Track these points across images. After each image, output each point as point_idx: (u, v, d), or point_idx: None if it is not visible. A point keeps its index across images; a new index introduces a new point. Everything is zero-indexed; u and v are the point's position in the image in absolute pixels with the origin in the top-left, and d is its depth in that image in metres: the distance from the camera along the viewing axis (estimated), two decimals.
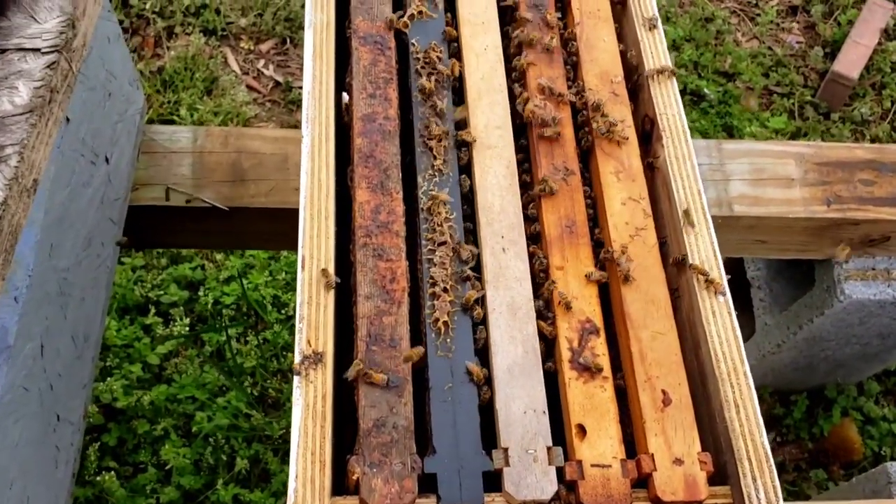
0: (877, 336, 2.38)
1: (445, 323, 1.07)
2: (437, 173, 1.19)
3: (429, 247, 1.13)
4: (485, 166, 1.21)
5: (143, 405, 2.53)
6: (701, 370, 1.10)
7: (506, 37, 1.39)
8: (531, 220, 1.22)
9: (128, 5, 3.37)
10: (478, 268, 1.16)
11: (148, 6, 3.34)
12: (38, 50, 1.04)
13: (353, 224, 1.15)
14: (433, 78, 1.27)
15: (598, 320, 1.10)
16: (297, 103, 3.25)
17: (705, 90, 3.34)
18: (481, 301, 1.10)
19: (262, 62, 3.38)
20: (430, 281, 1.10)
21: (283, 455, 2.54)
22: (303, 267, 1.08)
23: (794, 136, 3.32)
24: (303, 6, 3.43)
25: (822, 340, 2.41)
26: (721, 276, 1.12)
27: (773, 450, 2.80)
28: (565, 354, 1.07)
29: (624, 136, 1.24)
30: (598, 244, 1.20)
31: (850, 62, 3.34)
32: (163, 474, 2.46)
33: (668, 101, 1.27)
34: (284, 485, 2.45)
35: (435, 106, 1.24)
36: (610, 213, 1.18)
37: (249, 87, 3.32)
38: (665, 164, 1.22)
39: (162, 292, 2.75)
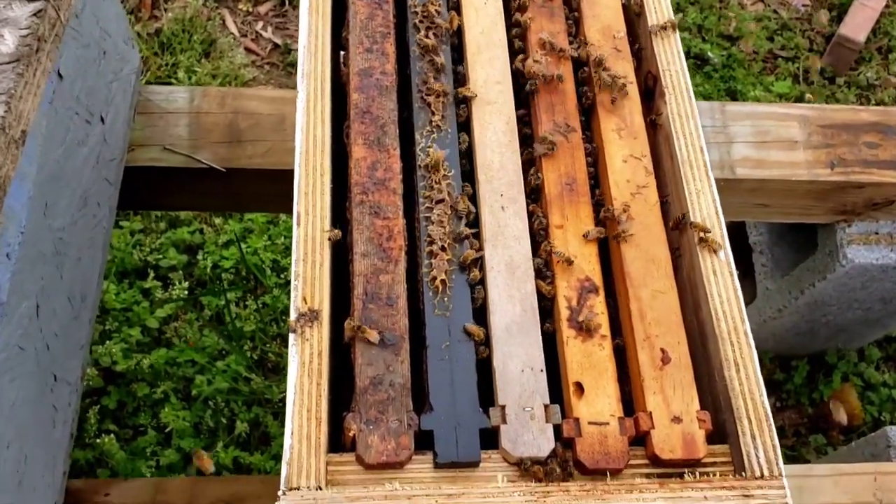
0: (879, 301, 2.37)
1: (443, 281, 1.05)
2: (435, 129, 1.17)
3: (426, 204, 1.12)
4: (484, 122, 1.19)
5: (143, 368, 2.53)
6: (701, 330, 1.08)
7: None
8: (531, 175, 1.20)
9: None
10: (477, 224, 1.14)
11: None
12: None
13: (349, 181, 1.13)
14: (431, 32, 1.24)
15: (598, 279, 1.08)
16: (296, 65, 3.22)
17: (709, 54, 3.30)
18: (480, 260, 1.09)
19: (260, 24, 3.34)
20: (428, 239, 1.09)
21: (283, 418, 2.54)
22: (298, 223, 1.07)
23: (799, 100, 3.29)
24: None
25: (824, 305, 2.39)
26: (723, 235, 1.10)
27: (773, 414, 2.81)
28: (563, 313, 1.05)
29: (625, 91, 1.22)
30: (600, 203, 1.19)
31: (857, 25, 3.29)
32: (163, 437, 2.47)
33: (671, 58, 1.25)
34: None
35: (433, 61, 1.22)
36: (611, 171, 1.16)
37: (248, 50, 3.28)
38: (667, 121, 1.20)
39: (161, 256, 2.74)
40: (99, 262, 1.71)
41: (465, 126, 1.22)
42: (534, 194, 1.18)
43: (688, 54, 3.33)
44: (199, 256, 2.74)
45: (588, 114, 1.25)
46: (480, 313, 1.08)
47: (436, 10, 1.26)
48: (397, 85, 1.22)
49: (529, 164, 1.20)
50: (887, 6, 3.44)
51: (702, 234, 1.10)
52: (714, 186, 1.15)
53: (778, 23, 3.46)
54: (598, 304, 1.07)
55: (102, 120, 1.68)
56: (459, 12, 1.29)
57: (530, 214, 1.15)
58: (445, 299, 1.05)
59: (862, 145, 2.04)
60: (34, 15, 1.02)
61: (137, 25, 3.19)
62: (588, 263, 1.09)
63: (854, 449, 2.10)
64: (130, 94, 1.85)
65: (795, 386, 2.79)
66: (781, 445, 2.69)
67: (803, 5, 3.52)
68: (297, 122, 1.15)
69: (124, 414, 2.53)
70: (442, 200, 1.11)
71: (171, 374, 2.57)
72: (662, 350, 1.04)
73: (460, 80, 1.25)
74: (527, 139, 1.23)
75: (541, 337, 1.04)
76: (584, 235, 1.10)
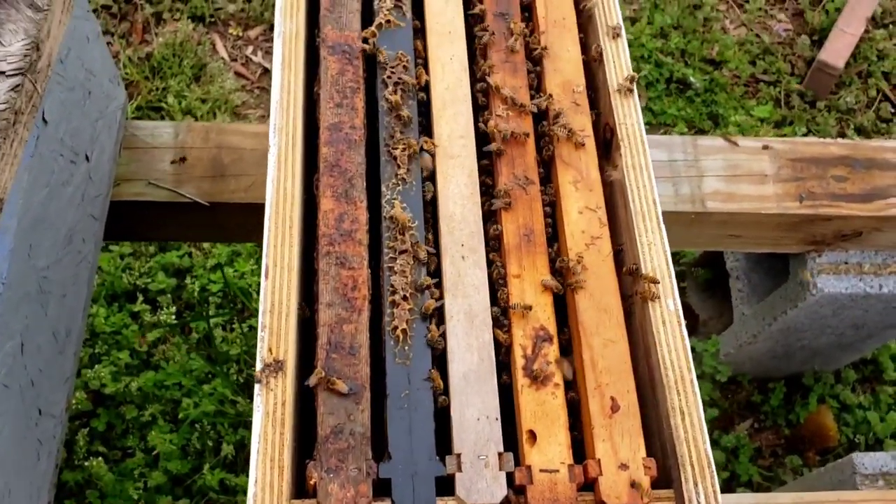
0: (851, 327, 2.43)
1: (404, 331, 1.11)
2: (400, 182, 1.22)
3: (390, 255, 1.17)
4: (447, 175, 1.24)
5: (132, 391, 2.58)
6: (651, 376, 1.14)
7: (472, 43, 1.41)
8: (491, 224, 1.25)
9: None
10: (438, 274, 1.19)
11: None
12: (2, 73, 1.07)
13: (317, 232, 1.18)
14: (399, 88, 1.30)
15: (552, 328, 1.14)
16: None
17: (691, 78, 3.36)
18: (440, 309, 1.14)
19: (250, 49, 3.40)
20: (391, 289, 1.14)
21: None
22: (266, 276, 1.12)
23: (780, 124, 3.35)
24: None
25: (797, 331, 2.45)
26: (672, 286, 1.16)
27: (750, 435, 2.86)
28: (519, 361, 1.11)
29: (581, 143, 1.27)
30: (558, 253, 1.24)
31: (836, 51, 3.35)
32: (150, 459, 2.52)
33: (627, 111, 1.30)
34: None
35: (400, 116, 1.27)
36: (567, 222, 1.22)
37: (238, 74, 3.34)
38: (623, 173, 1.25)
39: (150, 280, 2.79)
40: (84, 296, 1.76)
41: (429, 177, 1.27)
42: (494, 243, 1.23)
43: (670, 79, 3.39)
44: (188, 280, 2.80)
45: (547, 166, 1.30)
46: (441, 361, 1.13)
47: (404, 67, 1.31)
48: (367, 138, 1.28)
49: (490, 214, 1.26)
50: (866, 31, 3.51)
51: (651, 286, 1.15)
52: (665, 238, 1.20)
53: (760, 47, 3.52)
54: (552, 352, 1.12)
55: (87, 158, 1.73)
56: (427, 68, 1.35)
57: (489, 263, 1.20)
58: (406, 348, 1.11)
59: (830, 178, 2.10)
60: (12, 90, 1.07)
61: (128, 50, 3.25)
62: (543, 312, 1.14)
63: (823, 474, 2.15)
64: (116, 131, 1.91)
65: (772, 408, 2.84)
66: (758, 466, 2.74)
67: (785, 30, 3.58)
68: (268, 175, 1.20)
69: (113, 436, 2.58)
70: (405, 251, 1.16)
71: (159, 396, 2.62)
72: (612, 398, 1.09)
73: (426, 133, 1.30)
74: (489, 189, 1.28)
75: (496, 385, 1.09)
76: (541, 283, 1.16)
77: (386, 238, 1.18)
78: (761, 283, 2.62)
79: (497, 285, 1.18)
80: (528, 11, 1.45)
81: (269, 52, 3.40)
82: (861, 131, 3.37)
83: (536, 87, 1.37)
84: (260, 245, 2.83)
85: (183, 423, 2.56)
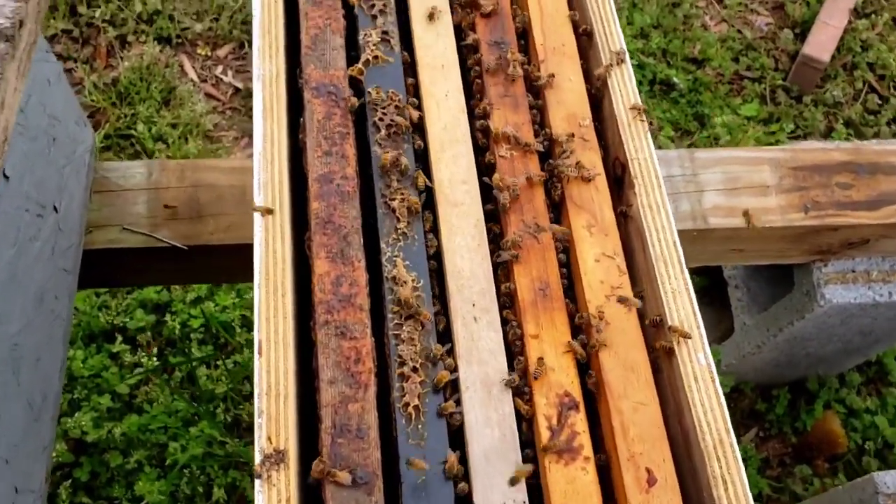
0: (858, 333, 2.36)
1: (416, 407, 1.01)
2: (401, 237, 1.12)
3: (395, 321, 1.07)
4: (451, 226, 1.15)
5: (115, 437, 2.46)
6: (685, 438, 1.05)
7: (467, 76, 1.32)
8: (503, 276, 1.15)
9: (76, 14, 3.24)
10: (449, 336, 1.10)
11: (98, 14, 3.21)
12: None
13: (312, 298, 1.08)
14: (392, 131, 1.19)
15: (577, 393, 1.04)
16: None
17: (675, 79, 3.28)
18: (454, 381, 1.04)
19: (220, 68, 3.27)
20: (399, 360, 1.04)
21: None
22: (260, 353, 1.02)
23: (767, 121, 3.28)
24: None
25: (804, 340, 2.38)
26: (702, 336, 1.07)
27: (756, 445, 2.79)
28: (544, 434, 1.01)
29: (592, 181, 1.18)
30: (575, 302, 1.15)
31: (820, 44, 3.29)
32: None
33: (639, 145, 1.21)
34: None
35: (397, 163, 1.17)
36: (584, 272, 1.12)
37: (208, 95, 3.22)
38: (638, 214, 1.16)
39: (128, 318, 2.67)
40: (60, 356, 1.65)
41: (432, 228, 1.17)
42: (506, 300, 1.13)
43: (653, 80, 3.31)
44: (167, 317, 2.67)
45: (557, 208, 1.21)
46: (458, 434, 1.03)
47: (395, 107, 1.21)
48: (360, 186, 1.18)
49: (500, 265, 1.16)
50: (849, 22, 3.45)
51: (682, 340, 1.06)
52: (689, 283, 1.11)
53: (742, 43, 3.44)
54: (580, 421, 1.02)
55: (56, 209, 1.61)
56: (420, 106, 1.25)
57: (504, 321, 1.11)
58: (419, 426, 1.01)
59: (835, 186, 2.02)
60: None
61: (93, 76, 3.11)
62: (566, 376, 1.05)
63: (841, 493, 2.08)
64: (85, 176, 1.79)
65: (778, 416, 2.77)
66: (766, 477, 2.67)
67: (766, 24, 3.51)
68: (254, 238, 1.10)
69: (97, 485, 2.46)
70: (411, 315, 1.06)
71: (145, 440, 2.50)
72: (648, 470, 1.00)
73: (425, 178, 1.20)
74: (496, 237, 1.18)
75: (521, 463, 1.00)
76: (564, 345, 1.06)
77: (389, 301, 1.08)
78: (761, 292, 2.55)
79: (514, 347, 1.09)
80: (524, 39, 1.35)
81: (239, 71, 3.28)
82: (849, 124, 3.31)
83: (540, 121, 1.27)
84: (245, 283, 2.71)
85: (171, 469, 2.45)
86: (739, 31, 3.50)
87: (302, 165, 1.20)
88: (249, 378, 2.61)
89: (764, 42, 3.47)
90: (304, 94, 1.22)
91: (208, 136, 3.08)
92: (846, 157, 2.06)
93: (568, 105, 1.26)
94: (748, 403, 2.84)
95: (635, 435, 1.02)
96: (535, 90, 1.30)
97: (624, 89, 1.27)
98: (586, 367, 1.11)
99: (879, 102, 3.35)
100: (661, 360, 1.10)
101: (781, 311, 2.30)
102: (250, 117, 3.18)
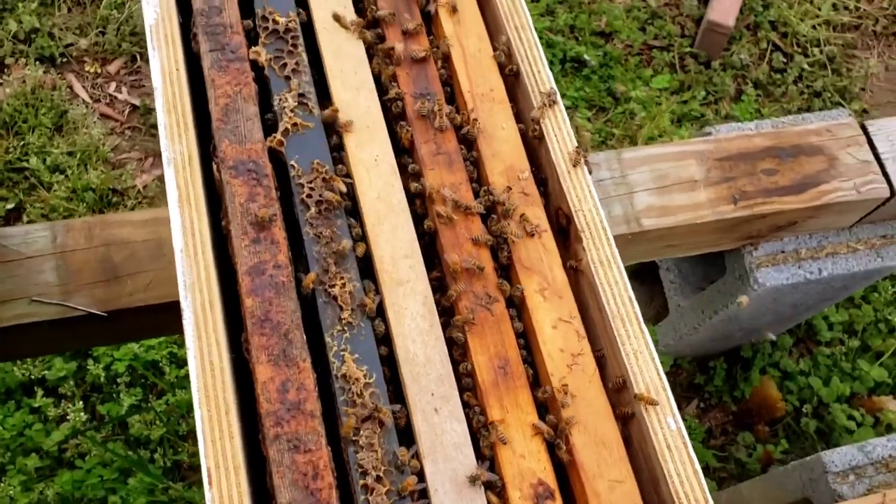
0: (790, 306, 2.40)
1: None
2: (346, 327, 1.05)
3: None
4: (399, 308, 1.08)
5: (48, 498, 2.33)
6: None
7: (393, 132, 1.24)
8: (458, 355, 1.10)
9: None
10: (409, 430, 1.04)
11: None
12: None
13: (258, 408, 1.00)
14: (322, 207, 1.11)
15: (551, 480, 1.00)
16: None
17: (585, 56, 3.24)
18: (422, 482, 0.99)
19: (112, 85, 3.08)
20: (360, 469, 0.97)
21: None
22: (210, 482, 0.94)
23: (678, 91, 3.28)
24: None
25: (738, 318, 2.40)
26: (668, 398, 1.03)
27: (698, 417, 2.83)
28: None
29: (542, 242, 1.12)
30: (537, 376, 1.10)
31: (724, 9, 3.29)
32: None
33: (582, 195, 1.16)
34: None
35: (331, 245, 1.09)
36: (542, 341, 1.08)
37: (104, 116, 3.03)
38: (589, 269, 1.12)
39: (46, 369, 2.51)
40: None
41: (377, 310, 1.10)
42: (466, 380, 1.08)
43: (564, 58, 3.26)
44: (89, 362, 2.53)
45: (506, 271, 1.15)
46: None
47: (323, 180, 1.13)
48: (293, 271, 1.09)
49: (454, 342, 1.10)
50: None
51: (648, 407, 1.02)
52: (650, 340, 1.08)
53: (647, 12, 3.42)
54: None
55: None
56: (349, 173, 1.16)
57: (465, 405, 1.05)
58: None
59: (760, 174, 2.02)
60: None
61: None
62: (538, 462, 1.01)
63: (790, 471, 2.12)
64: None
65: (716, 387, 2.82)
66: (710, 447, 2.72)
67: None
68: (188, 350, 1.01)
69: None
70: (368, 417, 0.99)
71: (82, 497, 2.38)
72: None
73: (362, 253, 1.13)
74: (446, 311, 1.12)
75: None
76: (532, 427, 1.01)
77: (342, 402, 1.01)
78: (693, 272, 2.57)
79: (479, 435, 1.03)
80: (448, 86, 1.27)
81: (134, 86, 3.10)
82: (758, 85, 3.34)
83: (476, 177, 1.21)
84: (175, 335, 2.57)
85: None
86: (643, 0, 3.47)
87: (227, 256, 1.11)
88: (185, 417, 2.50)
89: (668, 9, 3.45)
90: (222, 175, 1.13)
91: (109, 162, 2.91)
92: (768, 142, 2.06)
93: (504, 157, 1.20)
94: (686, 377, 2.88)
95: None
96: (468, 142, 1.23)
97: (559, 133, 1.21)
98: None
99: (784, 61, 3.39)
100: (630, 426, 1.07)
101: (716, 295, 2.32)
102: (153, 135, 3.01)
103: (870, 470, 1.99)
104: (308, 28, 1.25)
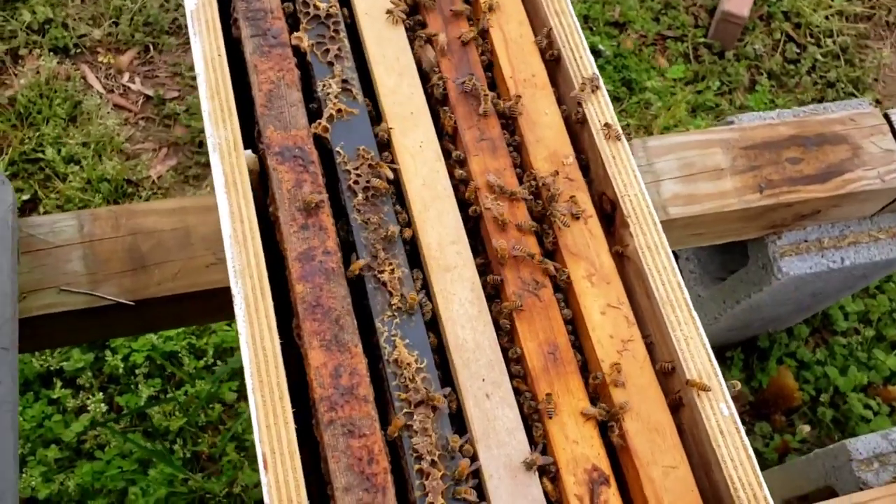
0: (810, 295, 2.40)
1: None
2: (396, 313, 1.04)
3: (405, 409, 1.00)
4: (447, 294, 1.07)
5: (69, 489, 2.32)
6: (715, 493, 1.02)
7: (436, 118, 1.23)
8: (505, 334, 1.09)
9: None
10: (461, 416, 1.03)
11: None
12: None
13: (311, 394, 1.00)
14: (369, 193, 1.11)
15: (605, 465, 1.00)
16: (173, 117, 2.98)
17: (600, 46, 3.23)
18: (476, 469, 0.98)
19: (126, 76, 3.07)
20: (415, 454, 0.97)
21: None
22: (265, 467, 0.93)
23: (693, 81, 3.27)
24: (161, 6, 3.11)
25: (759, 308, 2.40)
26: (721, 386, 1.03)
27: None
28: None
29: (588, 228, 1.12)
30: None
31: (739, 0, 3.28)
32: None
33: (628, 180, 1.15)
34: None
35: (379, 231, 1.08)
36: (591, 327, 1.07)
37: (118, 106, 3.01)
38: (636, 255, 1.11)
39: (64, 360, 2.50)
40: (11, 445, 1.52)
41: (423, 289, 1.10)
42: (516, 367, 1.07)
43: None
44: (107, 353, 2.52)
45: (551, 258, 1.15)
46: None
47: (369, 166, 1.12)
48: (342, 256, 1.09)
49: (502, 328, 1.09)
50: None
51: (701, 393, 1.02)
52: (700, 326, 1.07)
53: (661, 2, 3.42)
54: (612, 496, 0.98)
55: None
56: (394, 159, 1.16)
57: (516, 391, 1.05)
58: None
59: (785, 162, 2.02)
60: None
61: None
62: (591, 448, 1.00)
63: (813, 460, 2.12)
64: (10, 238, 1.63)
65: (734, 377, 2.82)
66: None
67: None
68: (240, 335, 1.00)
69: None
70: (421, 402, 0.99)
71: (102, 487, 2.37)
72: None
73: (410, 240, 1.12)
74: (490, 295, 1.12)
75: None
76: (582, 414, 1.01)
77: (395, 388, 1.01)
78: (712, 261, 2.56)
79: (530, 420, 1.03)
80: (490, 71, 1.27)
81: (147, 77, 3.08)
82: (772, 76, 3.34)
83: (520, 163, 1.20)
84: (201, 324, 2.56)
85: None
86: None
87: (275, 241, 1.10)
88: (205, 409, 2.50)
89: (682, 0, 3.44)
90: (268, 161, 1.12)
91: (124, 152, 2.90)
92: (792, 131, 2.05)
93: (547, 142, 1.19)
94: None
95: (670, 503, 0.98)
96: (511, 127, 1.22)
97: (603, 118, 1.20)
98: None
99: (798, 52, 3.38)
100: (681, 411, 1.06)
101: (738, 285, 2.32)
102: (167, 126, 3.00)
103: (894, 458, 1.99)
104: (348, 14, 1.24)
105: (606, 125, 1.19)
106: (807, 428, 2.66)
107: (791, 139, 2.04)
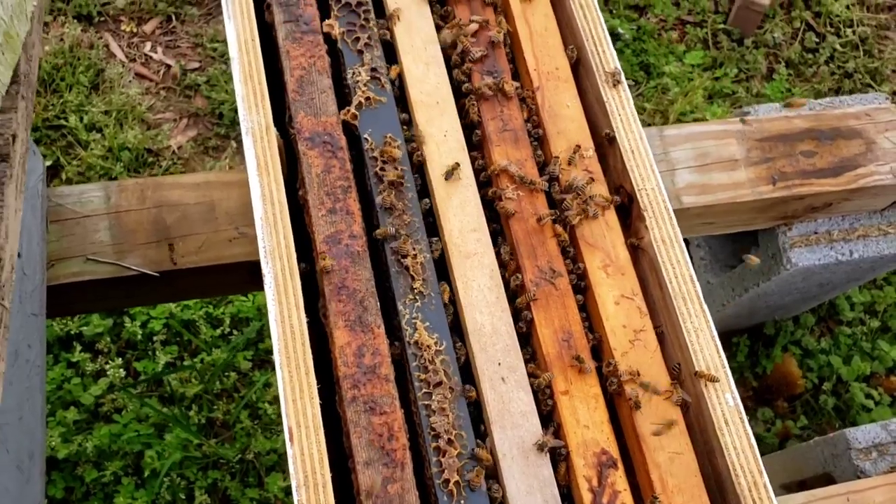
0: (817, 286, 2.43)
1: (457, 483, 0.99)
2: (417, 296, 1.09)
3: (424, 389, 1.04)
4: (467, 279, 1.11)
5: (87, 450, 2.39)
6: (718, 478, 1.06)
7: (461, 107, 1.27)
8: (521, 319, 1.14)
9: None
10: (476, 396, 1.08)
11: None
12: None
13: (335, 372, 1.04)
14: (396, 176, 1.15)
15: (614, 449, 1.04)
16: (194, 88, 3.02)
17: (619, 29, 3.25)
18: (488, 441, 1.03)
19: (148, 45, 3.10)
20: (432, 433, 1.02)
21: (242, 477, 2.46)
22: (291, 440, 0.99)
23: (711, 67, 3.28)
24: None
25: (766, 296, 2.44)
26: (728, 377, 1.08)
27: None
28: (586, 497, 1.01)
29: (605, 220, 1.16)
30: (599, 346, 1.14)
31: None
32: None
33: (645, 174, 1.19)
34: None
35: (403, 219, 1.13)
36: (605, 316, 1.11)
37: (139, 76, 3.05)
38: (651, 247, 1.15)
39: (84, 325, 2.56)
40: (39, 406, 1.57)
41: (444, 276, 1.14)
42: (530, 350, 1.12)
43: None
44: (125, 319, 2.58)
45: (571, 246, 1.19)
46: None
47: (395, 154, 1.16)
48: (367, 240, 1.13)
49: (519, 314, 1.14)
50: None
51: (708, 384, 1.07)
52: (710, 318, 1.12)
53: None
54: (620, 479, 1.03)
55: (20, 255, 1.52)
56: (419, 147, 1.20)
57: (530, 375, 1.09)
58: (462, 503, 1.00)
59: (799, 155, 2.05)
60: None
61: None
62: (601, 432, 1.05)
63: (812, 447, 2.16)
64: (40, 207, 1.68)
65: (738, 363, 2.87)
66: None
67: None
68: (269, 313, 1.05)
69: (73, 500, 2.40)
70: (440, 383, 1.04)
71: (119, 450, 2.44)
72: None
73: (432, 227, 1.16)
74: (507, 282, 1.16)
75: None
76: (593, 398, 1.06)
77: (415, 369, 1.06)
78: (722, 249, 2.60)
79: (544, 406, 1.08)
80: (512, 62, 1.30)
81: (169, 47, 3.11)
82: (789, 64, 3.34)
83: (541, 154, 1.24)
84: (222, 296, 2.61)
85: (148, 478, 2.40)
86: None
87: (303, 223, 1.14)
88: (220, 377, 2.56)
89: None
90: (298, 146, 1.16)
91: (145, 122, 2.94)
92: (808, 124, 2.08)
93: (568, 135, 1.23)
94: None
95: (674, 486, 1.03)
96: (533, 120, 1.26)
97: (623, 112, 1.24)
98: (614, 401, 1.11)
99: (817, 41, 3.39)
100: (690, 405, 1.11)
101: (747, 273, 2.35)
102: (188, 97, 3.04)
103: (892, 448, 2.04)
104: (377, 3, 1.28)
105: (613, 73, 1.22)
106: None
107: (806, 132, 2.07)
